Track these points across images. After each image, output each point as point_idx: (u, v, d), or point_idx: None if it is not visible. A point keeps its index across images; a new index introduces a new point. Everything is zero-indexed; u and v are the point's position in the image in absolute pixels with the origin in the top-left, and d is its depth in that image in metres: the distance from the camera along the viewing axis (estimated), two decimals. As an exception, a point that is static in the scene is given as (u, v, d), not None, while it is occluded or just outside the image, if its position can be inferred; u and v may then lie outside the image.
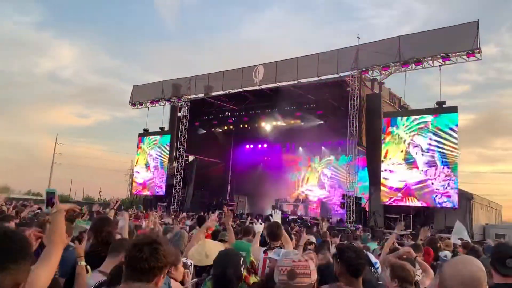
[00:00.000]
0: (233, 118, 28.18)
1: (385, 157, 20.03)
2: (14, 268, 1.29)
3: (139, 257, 1.86)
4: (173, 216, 15.67)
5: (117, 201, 6.18)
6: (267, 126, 26.77)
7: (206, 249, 3.88)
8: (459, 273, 1.82)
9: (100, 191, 53.62)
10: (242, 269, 2.68)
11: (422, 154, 19.05)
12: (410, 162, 19.33)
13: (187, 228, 7.89)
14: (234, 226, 7.82)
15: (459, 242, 9.22)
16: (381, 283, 3.65)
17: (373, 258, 4.51)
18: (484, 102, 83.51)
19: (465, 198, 18.91)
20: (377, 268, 4.21)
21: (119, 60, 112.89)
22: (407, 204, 19.26)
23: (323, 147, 27.87)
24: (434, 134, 18.84)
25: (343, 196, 21.12)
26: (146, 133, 30.92)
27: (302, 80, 22.99)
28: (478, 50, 18.15)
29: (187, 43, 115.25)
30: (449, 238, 10.22)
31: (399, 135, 19.86)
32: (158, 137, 29.82)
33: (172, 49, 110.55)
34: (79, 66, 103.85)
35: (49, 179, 46.55)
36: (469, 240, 11.11)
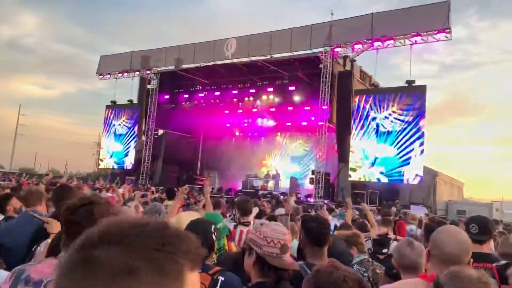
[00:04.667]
0: (204, 92, 27.67)
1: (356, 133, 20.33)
2: None
3: (71, 220, 1.64)
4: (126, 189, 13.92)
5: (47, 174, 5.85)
6: (238, 101, 26.52)
7: (183, 222, 3.75)
8: (456, 237, 1.88)
9: (66, 165, 52.30)
10: (213, 237, 2.56)
11: (389, 132, 19.40)
12: (379, 138, 19.68)
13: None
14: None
15: (422, 215, 9.46)
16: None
17: None
18: (450, 83, 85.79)
19: (430, 175, 19.50)
20: None
21: (85, 29, 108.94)
22: (374, 180, 19.70)
23: (295, 123, 27.93)
24: (402, 112, 19.15)
25: (312, 171, 21.34)
26: (114, 105, 30.08)
27: (275, 55, 22.76)
28: (448, 30, 18.38)
29: (157, 14, 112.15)
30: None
31: (369, 112, 20.13)
32: (126, 109, 29.09)
33: (141, 20, 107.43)
34: (43, 35, 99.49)
35: (12, 152, 44.96)
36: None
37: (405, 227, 6.08)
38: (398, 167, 18.99)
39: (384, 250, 4.47)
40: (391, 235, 4.91)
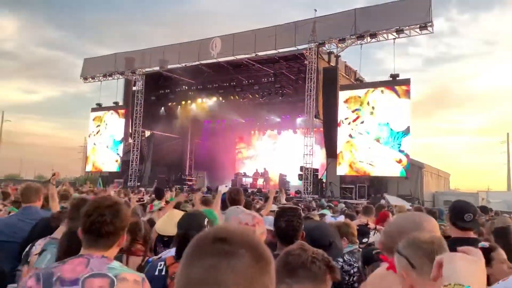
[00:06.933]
0: (190, 92, 27.61)
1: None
2: None
3: (102, 220, 1.80)
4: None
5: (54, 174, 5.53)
6: (225, 100, 26.51)
7: (174, 218, 3.77)
8: (403, 220, 1.93)
9: (52, 170, 51.66)
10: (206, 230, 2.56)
11: (377, 126, 19.60)
12: (366, 132, 19.87)
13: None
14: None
15: (409, 207, 9.61)
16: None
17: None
18: (434, 76, 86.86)
19: (416, 167, 19.73)
20: None
21: (66, 32, 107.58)
22: (361, 174, 19.88)
23: (281, 121, 28.05)
24: (388, 106, 19.35)
25: (301, 168, 21.42)
26: (99, 108, 29.81)
27: (260, 53, 22.79)
28: (430, 24, 18.60)
29: (139, 15, 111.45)
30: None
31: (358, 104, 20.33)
32: (112, 112, 28.86)
33: (123, 21, 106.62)
34: (23, 39, 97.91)
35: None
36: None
37: (389, 217, 6.15)
38: (386, 160, 19.19)
39: (364, 240, 4.55)
40: (371, 224, 4.99)
